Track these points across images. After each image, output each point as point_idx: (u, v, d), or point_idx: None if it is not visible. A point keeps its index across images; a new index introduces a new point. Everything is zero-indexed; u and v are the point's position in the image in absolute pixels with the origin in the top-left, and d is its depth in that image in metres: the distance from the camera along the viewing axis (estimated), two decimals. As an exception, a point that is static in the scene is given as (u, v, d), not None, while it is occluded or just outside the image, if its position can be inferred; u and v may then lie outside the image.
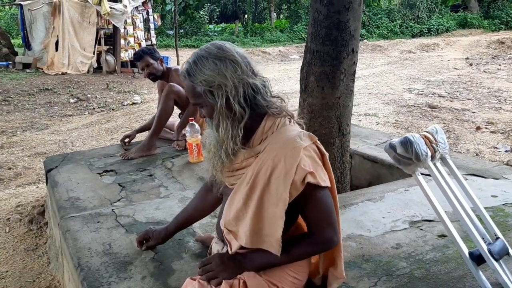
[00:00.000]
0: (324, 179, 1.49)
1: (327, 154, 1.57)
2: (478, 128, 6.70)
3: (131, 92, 10.15)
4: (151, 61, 3.88)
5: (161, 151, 3.92)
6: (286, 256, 1.53)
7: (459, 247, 1.79)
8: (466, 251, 1.79)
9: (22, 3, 12.94)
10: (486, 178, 3.16)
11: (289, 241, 1.54)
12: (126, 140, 4.14)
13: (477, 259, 1.78)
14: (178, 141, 3.94)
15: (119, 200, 2.97)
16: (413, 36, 23.92)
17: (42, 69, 12.45)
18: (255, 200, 1.50)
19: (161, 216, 2.69)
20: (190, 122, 3.55)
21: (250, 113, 1.50)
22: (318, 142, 1.55)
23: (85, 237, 2.44)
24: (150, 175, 3.40)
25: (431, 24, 24.76)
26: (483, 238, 1.81)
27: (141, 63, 3.89)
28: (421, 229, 2.43)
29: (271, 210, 1.48)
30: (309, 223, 1.56)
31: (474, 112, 7.67)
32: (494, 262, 1.72)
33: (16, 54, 14.21)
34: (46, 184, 3.69)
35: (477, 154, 5.51)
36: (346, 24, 2.76)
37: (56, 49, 12.34)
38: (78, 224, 2.61)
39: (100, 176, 3.42)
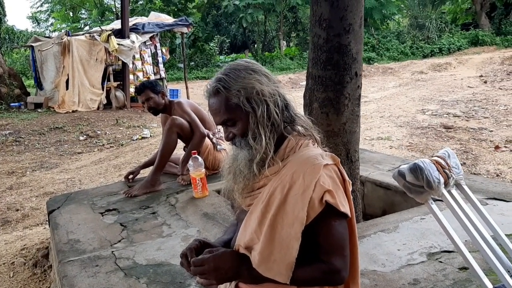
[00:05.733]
0: (343, 204, 1.38)
1: (350, 182, 1.47)
2: (497, 147, 6.44)
3: (141, 127, 10.11)
4: (152, 94, 3.80)
5: (165, 187, 3.79)
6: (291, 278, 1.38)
7: (481, 281, 1.62)
8: (490, 286, 1.61)
9: (33, 44, 13.19)
10: (508, 202, 2.97)
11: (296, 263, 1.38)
12: (130, 176, 4.04)
13: (503, 295, 1.60)
14: (183, 176, 3.82)
15: (120, 241, 2.85)
16: (425, 57, 23.68)
17: (53, 108, 12.54)
18: (268, 218, 1.39)
19: (162, 257, 2.55)
20: (193, 156, 3.43)
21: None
22: (341, 166, 1.46)
23: (82, 283, 2.34)
24: (153, 213, 3.27)
25: (442, 43, 24.55)
26: (508, 271, 1.63)
27: (141, 97, 3.83)
28: (440, 262, 2.25)
29: (284, 231, 1.36)
30: (319, 251, 1.41)
31: (491, 131, 7.42)
32: (522, 299, 1.54)
33: (28, 94, 14.39)
34: (49, 226, 3.58)
35: (497, 175, 5.28)
36: (347, 47, 2.64)
37: (67, 88, 12.45)
38: (76, 269, 2.51)
39: (102, 215, 3.31)
